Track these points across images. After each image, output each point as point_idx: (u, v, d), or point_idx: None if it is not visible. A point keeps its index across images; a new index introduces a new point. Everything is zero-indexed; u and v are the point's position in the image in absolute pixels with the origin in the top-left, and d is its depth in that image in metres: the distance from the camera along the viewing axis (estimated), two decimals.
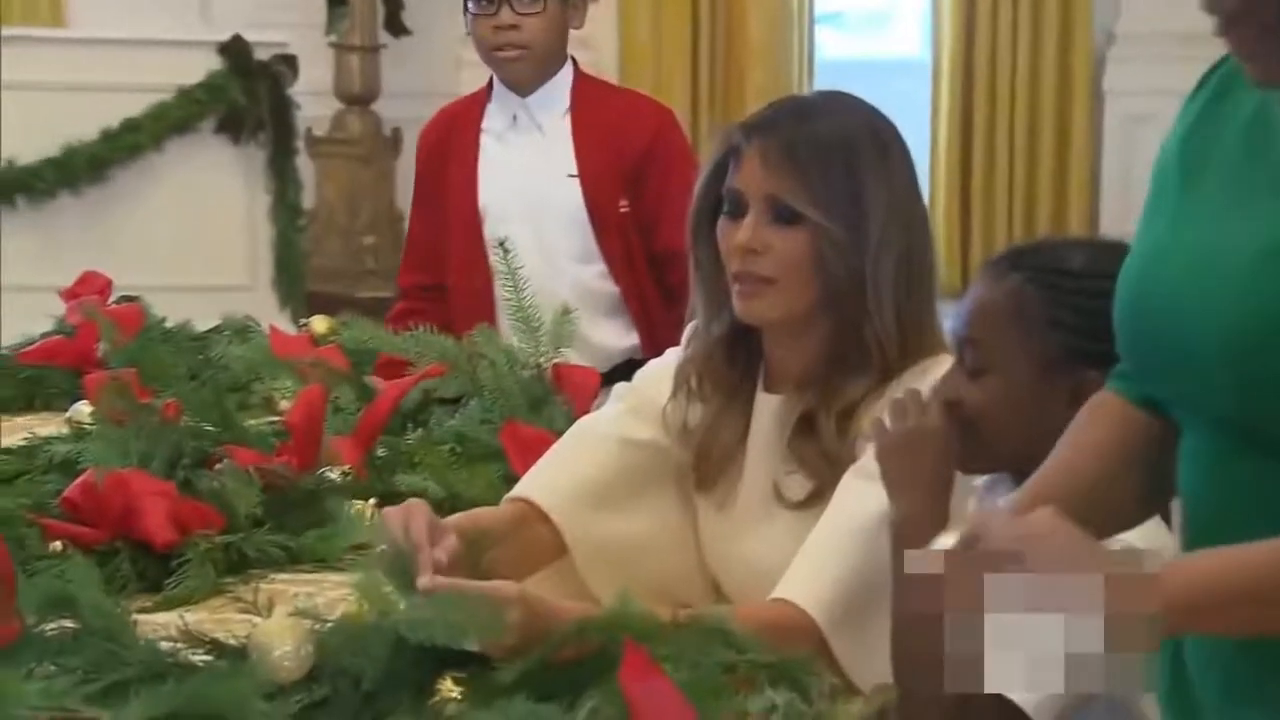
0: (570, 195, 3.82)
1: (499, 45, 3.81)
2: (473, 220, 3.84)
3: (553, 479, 2.51)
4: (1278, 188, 1.64)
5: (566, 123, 3.85)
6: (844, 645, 2.19)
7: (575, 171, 3.81)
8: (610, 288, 3.85)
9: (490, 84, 3.93)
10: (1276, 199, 1.64)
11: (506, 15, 3.78)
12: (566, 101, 3.86)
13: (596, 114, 3.85)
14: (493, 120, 3.90)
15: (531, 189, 3.83)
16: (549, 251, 3.79)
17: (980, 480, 2.16)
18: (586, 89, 3.91)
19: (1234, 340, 1.62)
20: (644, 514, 2.51)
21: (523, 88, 3.86)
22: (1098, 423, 1.85)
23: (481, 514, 2.42)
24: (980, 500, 2.14)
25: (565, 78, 3.89)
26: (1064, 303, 2.05)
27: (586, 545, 2.47)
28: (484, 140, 3.89)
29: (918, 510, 2.12)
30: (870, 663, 2.14)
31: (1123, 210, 8.17)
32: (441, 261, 3.90)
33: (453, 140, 3.92)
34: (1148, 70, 8.12)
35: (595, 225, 3.82)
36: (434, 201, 3.93)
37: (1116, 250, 2.04)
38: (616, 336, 3.83)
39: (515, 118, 3.88)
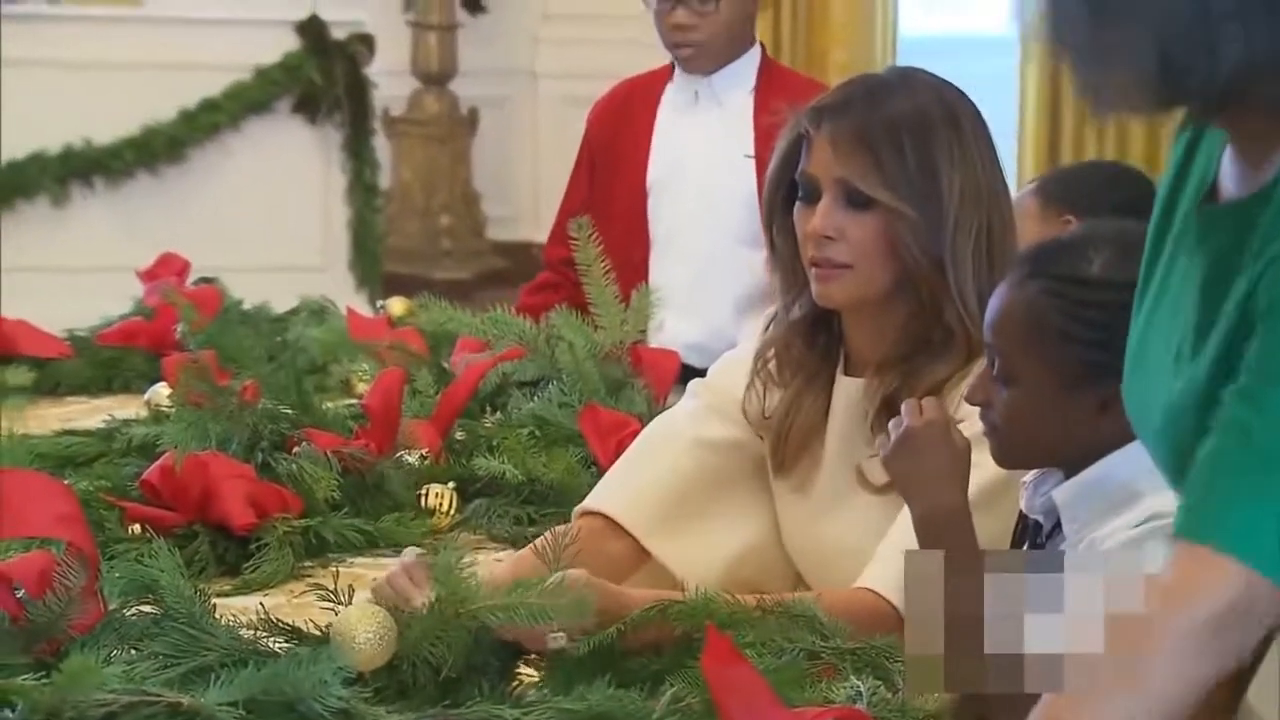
0: (745, 176, 3.81)
1: (675, 43, 3.84)
2: (639, 194, 3.85)
3: (625, 489, 2.47)
4: (1204, 324, 1.58)
5: (750, 103, 3.86)
6: None
7: (752, 153, 3.81)
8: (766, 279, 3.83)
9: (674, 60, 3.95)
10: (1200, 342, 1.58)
11: (681, 15, 3.80)
12: (752, 81, 3.88)
13: (779, 98, 3.84)
14: (675, 95, 3.92)
15: (706, 167, 3.84)
16: (717, 230, 3.79)
17: (1028, 475, 2.13)
18: (773, 72, 3.92)
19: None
20: (727, 514, 2.47)
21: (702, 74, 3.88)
22: None
23: (558, 533, 2.37)
24: (1028, 493, 2.11)
25: (752, 58, 3.89)
26: (1078, 316, 2.00)
27: (672, 552, 2.44)
28: (661, 115, 3.90)
29: (932, 508, 2.10)
30: None
31: None
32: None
33: (628, 113, 3.93)
34: None
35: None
36: (597, 174, 3.93)
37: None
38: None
39: (697, 94, 3.89)
